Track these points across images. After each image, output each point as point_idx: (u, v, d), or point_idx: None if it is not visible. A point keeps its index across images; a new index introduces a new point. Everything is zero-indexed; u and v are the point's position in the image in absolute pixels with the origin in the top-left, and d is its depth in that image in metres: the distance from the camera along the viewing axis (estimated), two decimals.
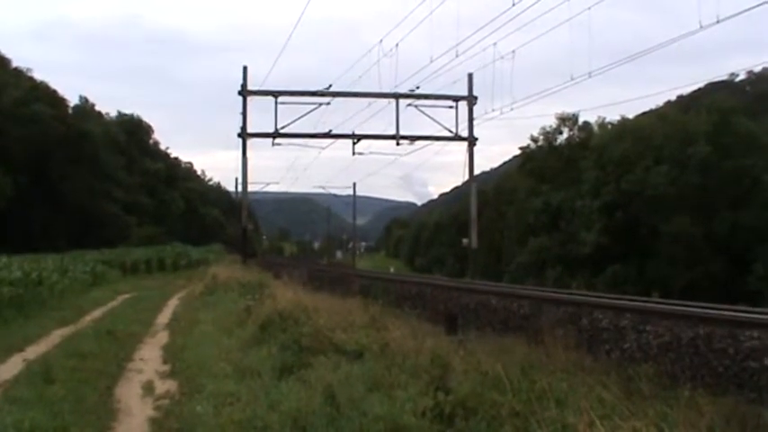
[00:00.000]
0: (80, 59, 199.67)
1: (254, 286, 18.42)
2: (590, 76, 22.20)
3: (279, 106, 33.12)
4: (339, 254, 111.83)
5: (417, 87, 31.85)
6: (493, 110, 29.66)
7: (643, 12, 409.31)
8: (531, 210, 62.55)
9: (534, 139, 67.83)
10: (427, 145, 34.13)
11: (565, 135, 66.64)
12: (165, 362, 11.21)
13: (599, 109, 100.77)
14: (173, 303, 22.77)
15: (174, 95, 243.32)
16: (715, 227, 47.73)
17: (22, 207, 52.97)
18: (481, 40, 31.32)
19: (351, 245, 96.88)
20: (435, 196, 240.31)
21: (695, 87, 73.86)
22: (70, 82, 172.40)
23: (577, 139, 65.07)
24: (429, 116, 32.96)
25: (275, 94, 33.20)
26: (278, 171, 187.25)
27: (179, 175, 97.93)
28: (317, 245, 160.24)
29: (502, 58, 26.37)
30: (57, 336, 13.75)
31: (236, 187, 58.68)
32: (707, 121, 51.32)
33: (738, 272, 45.13)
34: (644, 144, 52.81)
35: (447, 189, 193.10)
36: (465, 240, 33.11)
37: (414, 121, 34.56)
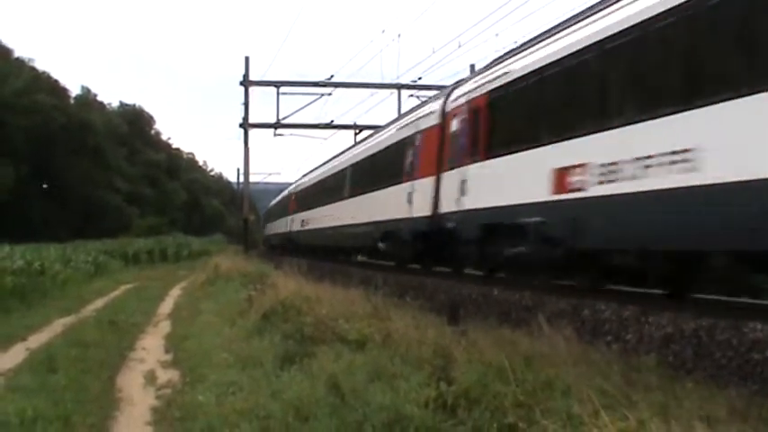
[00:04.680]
0: (82, 48, 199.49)
1: (255, 276, 18.44)
2: None
3: (281, 97, 33.15)
4: None
5: (419, 78, 31.84)
6: None
7: None
8: None
9: None
10: None
11: None
12: (167, 351, 11.23)
13: None
14: (175, 293, 22.81)
15: (176, 85, 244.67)
16: None
17: (23, 197, 52.99)
18: (483, 31, 31.28)
19: None
20: None
21: None
22: (72, 71, 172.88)
23: None
24: None
25: (277, 84, 33.21)
26: (280, 161, 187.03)
27: (181, 166, 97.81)
28: None
29: (504, 48, 26.35)
30: (59, 325, 13.78)
31: (238, 178, 58.80)
32: None
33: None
34: None
35: None
36: None
37: None
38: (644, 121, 8.52)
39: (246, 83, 33.73)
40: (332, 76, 33.20)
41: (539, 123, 11.25)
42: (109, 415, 7.25)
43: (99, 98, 77.61)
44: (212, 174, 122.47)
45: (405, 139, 18.20)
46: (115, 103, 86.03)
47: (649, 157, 8.26)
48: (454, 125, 14.72)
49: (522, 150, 11.51)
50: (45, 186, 56.05)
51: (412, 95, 32.47)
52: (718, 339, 6.85)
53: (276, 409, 6.23)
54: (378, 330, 8.62)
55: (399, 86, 32.61)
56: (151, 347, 11.65)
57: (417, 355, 7.18)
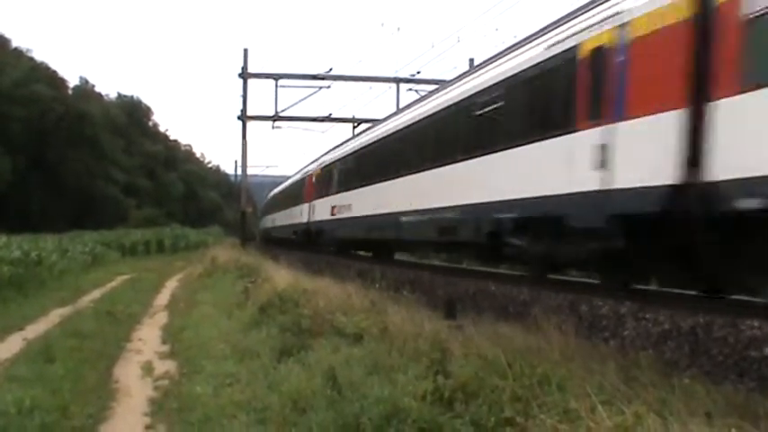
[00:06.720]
0: (80, 38, 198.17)
1: (252, 269, 18.45)
2: None
3: (279, 89, 33.10)
4: None
5: (418, 72, 31.84)
6: None
7: None
8: None
9: None
10: None
11: None
12: (164, 343, 11.23)
13: None
14: (172, 285, 22.80)
15: (175, 77, 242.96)
16: None
17: (21, 188, 52.88)
18: (483, 25, 31.21)
19: None
20: None
21: None
22: (70, 61, 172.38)
23: None
24: None
25: (275, 76, 33.13)
26: (277, 154, 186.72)
27: (178, 158, 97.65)
28: None
29: (503, 42, 26.20)
30: (56, 316, 13.78)
31: (236, 170, 58.79)
32: None
33: None
34: None
35: None
36: None
37: None
38: None
39: (245, 75, 33.67)
40: (330, 70, 33.18)
41: None
42: (106, 405, 7.25)
43: (97, 89, 77.53)
44: (210, 166, 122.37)
45: (580, 50, 9.86)
46: (113, 94, 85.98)
47: None
48: None
49: None
50: (43, 177, 55.87)
51: (410, 89, 32.47)
52: (715, 336, 6.87)
53: (273, 400, 6.25)
54: (375, 324, 8.63)
55: (398, 80, 32.59)
56: (148, 338, 11.65)
57: (414, 348, 7.19)
